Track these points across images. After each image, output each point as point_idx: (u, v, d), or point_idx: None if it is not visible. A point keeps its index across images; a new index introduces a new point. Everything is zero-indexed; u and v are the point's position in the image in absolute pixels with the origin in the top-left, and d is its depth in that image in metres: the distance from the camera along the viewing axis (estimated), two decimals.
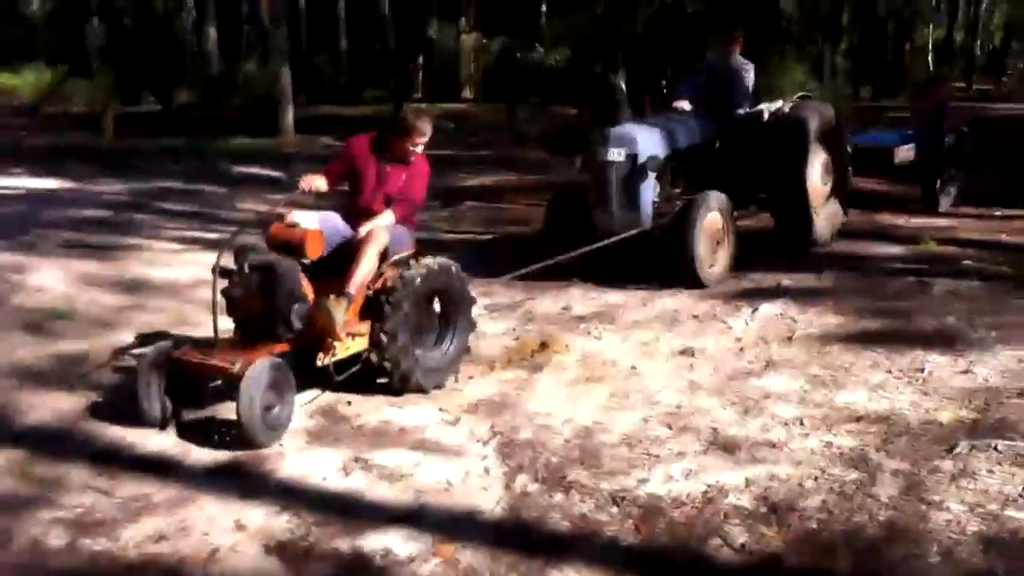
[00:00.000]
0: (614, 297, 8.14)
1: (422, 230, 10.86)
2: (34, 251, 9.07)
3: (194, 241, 10.01)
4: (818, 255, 9.33)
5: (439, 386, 6.07)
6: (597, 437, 5.34)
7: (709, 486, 4.70)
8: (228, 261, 5.57)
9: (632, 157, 8.32)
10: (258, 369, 5.11)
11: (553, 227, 9.03)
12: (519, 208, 12.41)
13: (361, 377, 5.86)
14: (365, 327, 5.82)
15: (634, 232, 8.33)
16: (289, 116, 19.21)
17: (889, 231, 10.63)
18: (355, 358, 5.84)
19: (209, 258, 5.46)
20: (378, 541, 4.25)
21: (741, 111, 9.47)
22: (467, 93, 27.75)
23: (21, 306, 7.55)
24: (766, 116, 9.40)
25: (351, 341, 5.77)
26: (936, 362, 6.32)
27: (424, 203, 6.54)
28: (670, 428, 5.44)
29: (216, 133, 18.50)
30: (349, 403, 5.81)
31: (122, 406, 5.53)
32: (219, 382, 5.55)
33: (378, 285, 5.87)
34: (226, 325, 5.58)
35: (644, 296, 8.11)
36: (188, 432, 5.36)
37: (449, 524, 4.44)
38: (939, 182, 11.71)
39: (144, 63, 23.79)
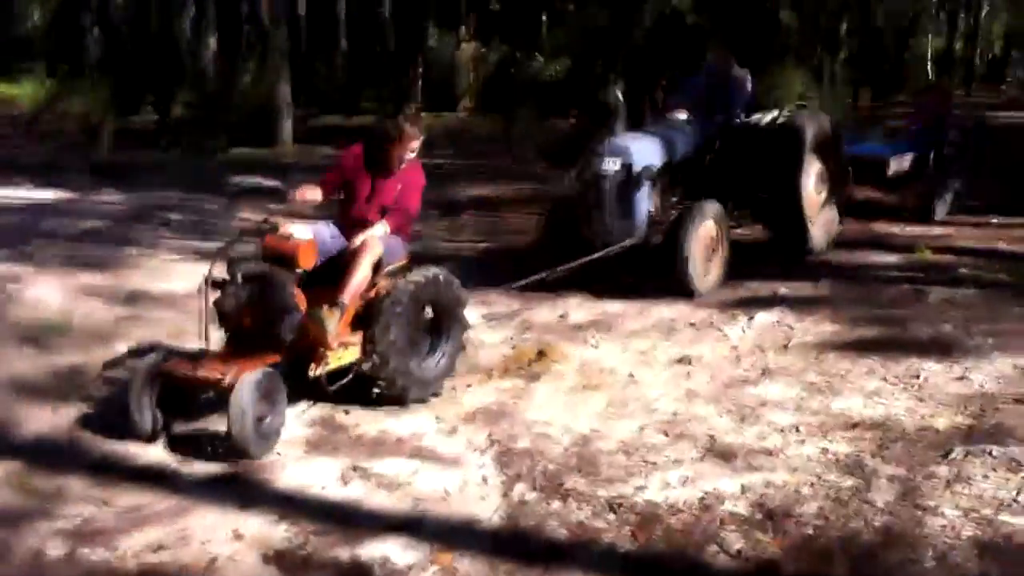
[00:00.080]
0: (611, 306, 8.15)
1: (420, 240, 10.95)
2: (32, 262, 9.05)
3: (192, 252, 9.98)
4: (814, 264, 9.35)
5: (432, 396, 6.06)
6: (595, 445, 5.37)
7: (706, 493, 4.73)
8: (222, 272, 5.58)
9: (627, 167, 8.32)
10: (249, 380, 5.10)
11: (549, 238, 9.03)
12: (517, 218, 12.41)
13: (354, 387, 5.86)
14: (357, 337, 5.82)
15: (629, 243, 8.33)
16: (287, 127, 19.24)
17: (885, 239, 10.65)
18: (347, 368, 5.83)
19: (220, 264, 5.47)
20: (377, 550, 4.27)
21: (738, 120, 9.47)
22: (465, 103, 27.80)
23: (19, 318, 7.55)
24: (764, 124, 9.43)
25: (343, 351, 5.76)
26: (932, 369, 6.36)
27: (419, 214, 6.55)
28: (667, 436, 5.46)
29: (213, 144, 18.50)
30: (347, 412, 5.82)
31: (119, 418, 5.51)
32: (210, 393, 5.53)
33: (371, 295, 5.88)
34: (220, 336, 5.60)
35: (641, 305, 8.13)
36: (180, 444, 5.36)
37: (447, 532, 4.46)
38: (936, 192, 11.72)
39: (142, 74, 23.81)
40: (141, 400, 5.30)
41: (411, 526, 4.50)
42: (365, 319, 5.83)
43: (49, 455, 5.30)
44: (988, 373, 6.24)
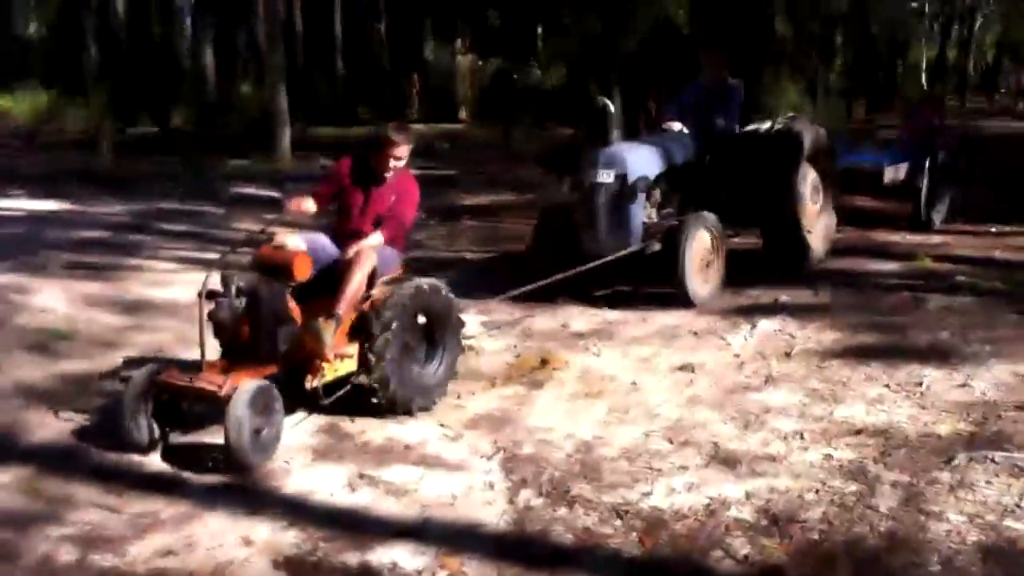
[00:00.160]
0: (612, 314, 8.20)
1: (420, 248, 11.02)
2: (36, 272, 9.11)
3: (194, 261, 10.03)
4: (814, 272, 9.39)
5: (428, 407, 6.05)
6: (598, 451, 5.40)
7: (711, 499, 4.76)
8: (217, 284, 5.57)
9: (621, 178, 8.33)
10: (246, 392, 5.09)
11: (540, 247, 9.04)
12: (515, 226, 12.44)
13: (357, 396, 5.86)
14: (353, 348, 5.80)
15: (624, 253, 8.34)
16: (286, 137, 19.28)
17: (884, 248, 10.71)
18: (344, 380, 5.83)
19: (214, 277, 5.49)
20: (385, 555, 4.30)
21: (730, 129, 9.48)
22: (463, 114, 27.92)
23: (25, 326, 7.59)
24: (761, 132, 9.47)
25: (340, 363, 5.75)
26: (933, 376, 6.39)
27: (413, 224, 6.57)
28: (671, 442, 5.49)
29: (213, 154, 18.55)
30: (352, 420, 5.84)
31: (117, 429, 5.50)
32: (206, 405, 5.49)
33: (366, 306, 5.86)
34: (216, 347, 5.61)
35: (642, 313, 8.17)
36: (177, 456, 5.35)
37: (454, 538, 4.48)
38: (930, 201, 11.78)
39: (140, 84, 23.88)
40: (137, 411, 5.28)
41: (418, 531, 4.53)
42: (361, 330, 5.82)
43: (57, 461, 5.32)
44: (988, 380, 6.28)
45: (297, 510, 4.75)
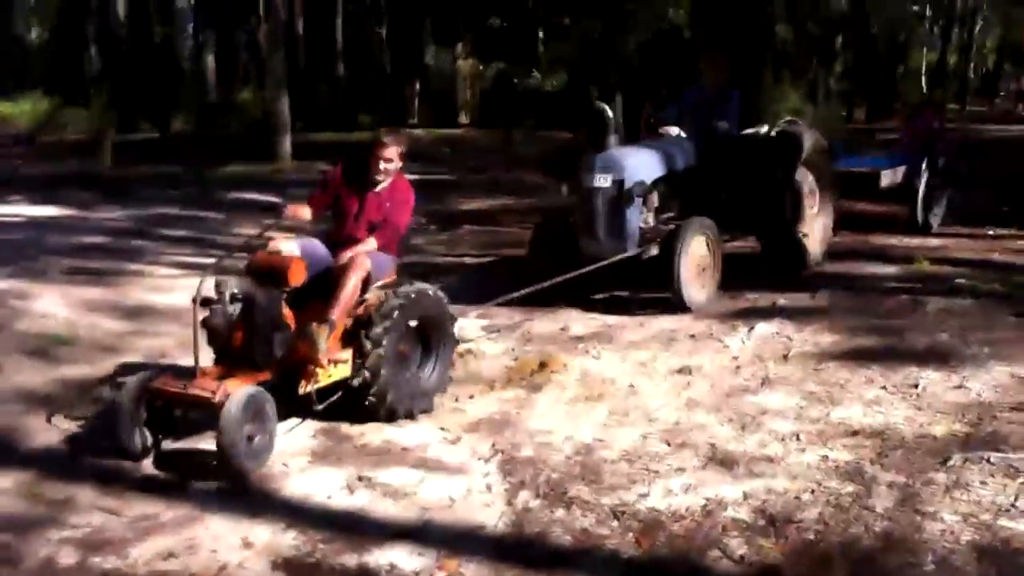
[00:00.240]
0: (611, 318, 8.23)
1: (420, 253, 11.07)
2: (36, 278, 9.14)
3: (194, 267, 10.06)
4: (812, 275, 9.41)
5: (423, 411, 6.06)
6: (597, 453, 5.42)
7: (708, 500, 4.78)
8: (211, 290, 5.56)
9: (619, 183, 8.35)
10: (239, 398, 5.09)
11: (538, 252, 9.07)
12: (516, 231, 12.49)
13: (347, 402, 5.86)
14: (347, 354, 5.81)
15: (620, 258, 8.35)
16: (287, 142, 19.33)
17: (882, 251, 10.72)
18: (338, 385, 5.84)
19: (208, 283, 5.50)
20: (384, 557, 4.33)
21: (729, 134, 9.49)
22: (463, 118, 27.97)
23: (26, 332, 7.63)
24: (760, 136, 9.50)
25: (333, 368, 5.75)
26: (930, 378, 6.42)
27: (408, 230, 6.58)
28: (669, 444, 5.52)
29: (214, 159, 18.59)
30: (351, 423, 5.87)
31: (109, 436, 5.50)
32: (199, 412, 5.49)
33: (360, 312, 5.88)
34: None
35: (640, 317, 8.21)
36: (176, 460, 5.37)
37: (453, 540, 4.51)
38: (927, 205, 11.81)
39: (141, 90, 23.93)
40: (130, 419, 5.28)
41: (417, 533, 4.56)
42: (354, 335, 5.83)
43: (57, 466, 5.36)
44: (985, 382, 6.30)
45: (296, 512, 4.78)
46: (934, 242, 11.19)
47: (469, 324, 7.87)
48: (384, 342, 5.78)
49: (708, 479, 5.04)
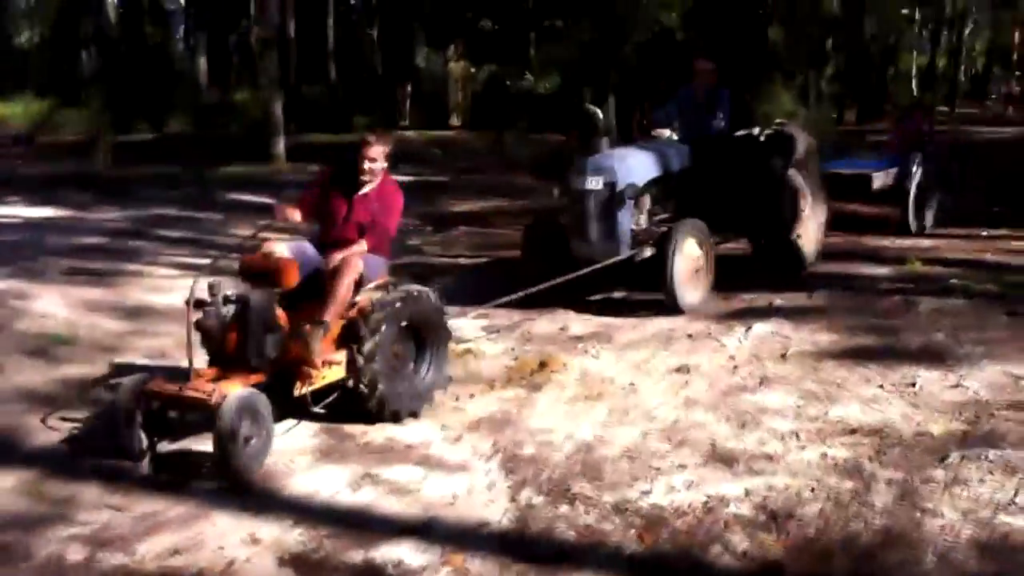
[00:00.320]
0: (609, 318, 8.27)
1: (416, 254, 11.11)
2: (35, 278, 9.16)
3: (192, 267, 10.08)
4: (808, 276, 9.48)
5: (418, 412, 6.07)
6: (598, 451, 5.47)
7: (709, 496, 4.83)
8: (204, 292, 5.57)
9: (610, 185, 8.38)
10: (235, 400, 5.10)
11: (531, 253, 9.10)
12: (510, 233, 12.51)
13: (345, 403, 5.89)
14: (341, 355, 5.83)
15: (612, 260, 8.38)
16: (281, 144, 19.36)
17: (875, 252, 10.79)
18: (333, 387, 5.86)
19: (202, 285, 5.52)
20: (390, 552, 4.37)
21: (721, 134, 9.52)
22: (454, 121, 28.00)
23: (26, 332, 7.65)
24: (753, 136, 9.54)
25: (328, 370, 5.78)
26: (926, 377, 6.48)
27: (397, 231, 6.60)
28: (669, 442, 5.57)
29: (209, 160, 18.59)
30: (353, 422, 5.90)
31: (107, 438, 5.52)
32: (196, 414, 5.50)
33: (353, 313, 5.90)
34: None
35: (638, 317, 8.25)
36: (168, 465, 5.37)
37: (457, 535, 4.55)
38: (918, 207, 11.88)
39: (136, 91, 23.93)
40: (127, 421, 5.29)
41: (422, 530, 4.60)
42: (348, 337, 5.84)
43: (62, 464, 5.39)
44: (981, 380, 6.36)
45: (301, 509, 4.82)
46: (927, 243, 11.27)
47: (468, 324, 7.92)
48: (377, 343, 5.80)
49: (709, 476, 5.09)
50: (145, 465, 5.25)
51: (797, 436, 5.58)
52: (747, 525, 4.54)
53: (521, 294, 7.88)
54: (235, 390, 5.20)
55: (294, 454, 5.45)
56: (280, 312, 5.66)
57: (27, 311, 8.12)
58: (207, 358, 5.66)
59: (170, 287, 9.20)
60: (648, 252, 8.38)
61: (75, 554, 4.40)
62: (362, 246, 6.12)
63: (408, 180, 15.40)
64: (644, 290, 8.65)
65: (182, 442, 5.61)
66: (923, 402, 6.06)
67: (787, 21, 23.54)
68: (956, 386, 6.30)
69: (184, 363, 5.47)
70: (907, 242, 11.28)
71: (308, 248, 6.23)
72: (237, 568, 4.28)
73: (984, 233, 11.65)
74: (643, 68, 19.98)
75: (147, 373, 5.63)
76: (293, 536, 4.54)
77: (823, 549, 4.33)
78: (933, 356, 6.91)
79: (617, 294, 8.89)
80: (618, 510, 4.74)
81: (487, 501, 4.91)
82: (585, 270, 8.29)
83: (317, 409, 5.79)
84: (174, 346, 7.33)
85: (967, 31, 45.75)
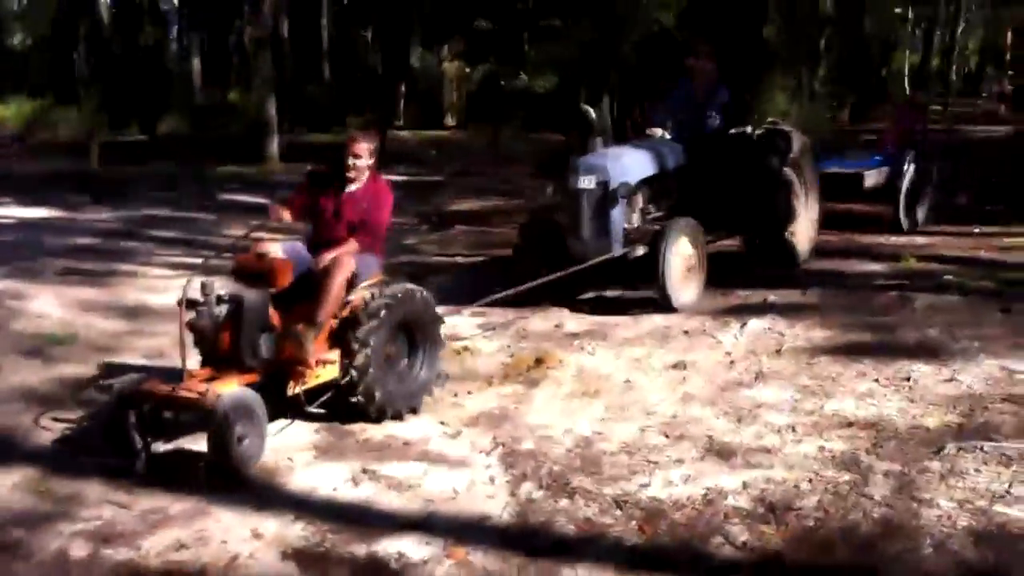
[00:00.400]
0: (605, 315, 8.30)
1: (413, 253, 11.13)
2: (31, 278, 9.19)
3: (188, 267, 10.08)
4: (802, 273, 9.51)
5: (412, 410, 6.09)
6: (597, 446, 5.51)
7: (708, 489, 4.87)
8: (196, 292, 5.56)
9: (603, 184, 8.41)
10: (229, 399, 5.12)
11: (527, 250, 9.12)
12: (506, 231, 12.53)
13: (340, 401, 5.91)
14: (335, 354, 5.83)
15: (605, 258, 8.40)
16: (275, 144, 19.38)
17: (869, 250, 10.82)
18: (326, 386, 5.86)
19: (194, 285, 5.53)
20: (392, 546, 4.40)
21: (717, 132, 9.54)
22: (449, 120, 28.03)
23: (22, 332, 7.68)
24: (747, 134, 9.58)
25: (321, 369, 5.78)
26: (921, 371, 6.52)
27: (389, 230, 6.61)
28: (667, 437, 5.61)
29: (204, 160, 18.60)
30: (351, 419, 5.92)
31: (101, 439, 5.53)
32: (190, 414, 5.50)
33: (346, 313, 5.91)
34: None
35: (634, 313, 8.28)
36: (162, 464, 5.36)
37: (459, 529, 4.58)
38: (910, 205, 11.92)
39: (130, 91, 23.93)
40: (122, 422, 5.29)
41: (423, 524, 4.63)
42: (341, 336, 5.85)
43: (63, 462, 5.41)
44: (975, 375, 6.41)
45: (303, 505, 4.85)
46: (921, 240, 11.30)
47: (464, 322, 7.95)
48: (371, 342, 5.80)
49: (707, 470, 5.13)
50: (140, 465, 5.25)
51: (794, 430, 5.62)
52: (746, 517, 4.58)
53: (513, 291, 7.91)
54: (229, 390, 5.21)
55: (293, 451, 5.48)
56: (273, 312, 5.67)
57: (23, 311, 8.15)
58: (200, 358, 5.67)
59: (165, 287, 9.21)
60: (641, 250, 8.41)
61: (80, 550, 4.43)
62: (353, 245, 6.12)
63: (403, 179, 15.46)
64: (638, 288, 8.68)
65: (177, 442, 5.61)
66: (918, 396, 6.10)
67: (787, 20, 23.54)
68: (951, 380, 6.34)
69: (179, 363, 5.48)
70: (901, 239, 11.31)
71: (299, 248, 6.24)
72: (241, 563, 4.31)
73: (977, 231, 11.68)
74: (641, 67, 19.97)
75: (141, 374, 5.63)
76: (295, 531, 4.57)
77: (823, 539, 4.37)
78: (928, 351, 6.95)
79: (610, 292, 8.92)
80: (618, 503, 4.77)
81: (487, 495, 4.94)
82: (576, 267, 8.32)
83: (312, 408, 5.81)
84: (170, 345, 7.30)
85: (960, 30, 45.83)
